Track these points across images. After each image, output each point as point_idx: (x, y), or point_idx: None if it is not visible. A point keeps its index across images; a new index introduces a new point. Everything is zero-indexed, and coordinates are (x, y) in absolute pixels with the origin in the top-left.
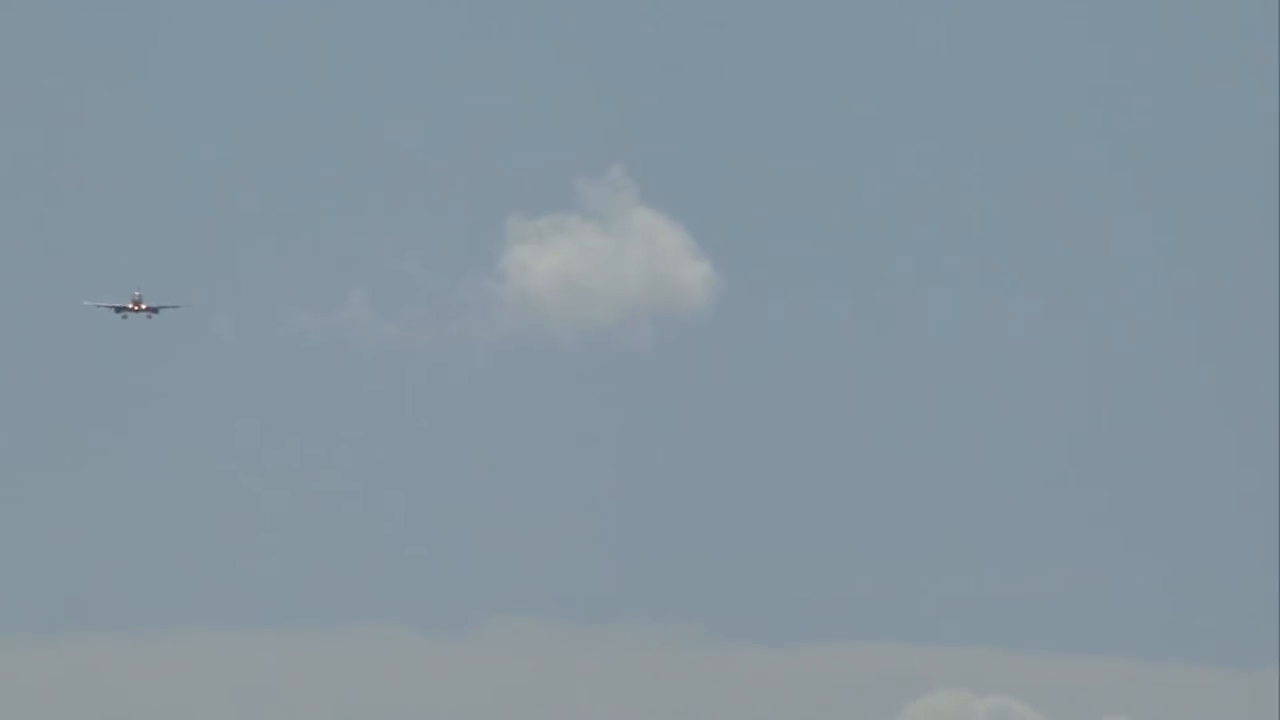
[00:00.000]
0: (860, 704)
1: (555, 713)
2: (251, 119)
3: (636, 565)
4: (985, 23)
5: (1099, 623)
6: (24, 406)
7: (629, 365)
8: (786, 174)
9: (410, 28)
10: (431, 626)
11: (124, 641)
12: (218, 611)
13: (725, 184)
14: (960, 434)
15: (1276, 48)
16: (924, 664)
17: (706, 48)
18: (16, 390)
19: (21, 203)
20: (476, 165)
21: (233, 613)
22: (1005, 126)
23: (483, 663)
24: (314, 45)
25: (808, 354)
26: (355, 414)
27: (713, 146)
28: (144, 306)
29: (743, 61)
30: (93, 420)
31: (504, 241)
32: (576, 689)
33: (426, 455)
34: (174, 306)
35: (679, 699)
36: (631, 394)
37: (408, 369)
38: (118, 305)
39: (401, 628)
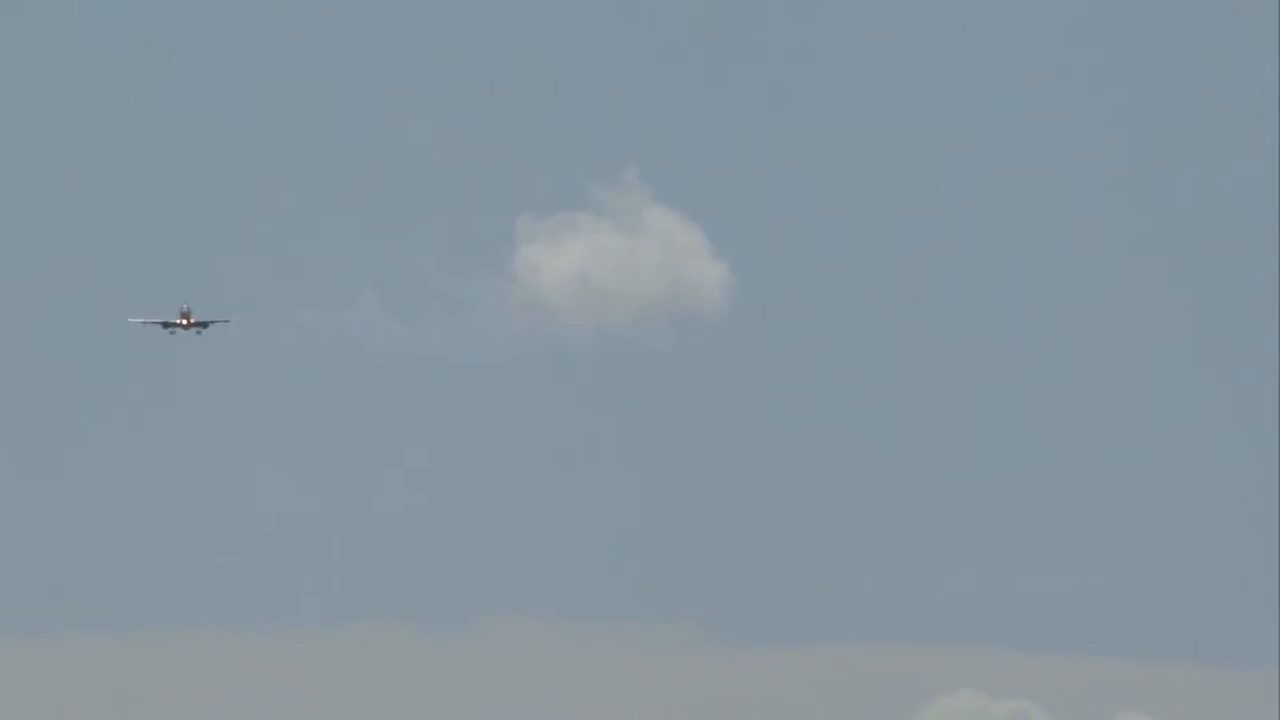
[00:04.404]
0: (873, 706)
1: (555, 713)
2: (263, 119)
3: (642, 565)
4: (993, 25)
5: (1103, 623)
6: (24, 406)
7: (644, 366)
8: (802, 175)
9: (421, 27)
10: (431, 626)
11: (124, 641)
12: (218, 611)
13: (742, 185)
14: (970, 435)
15: (1277, 47)
16: (937, 665)
17: (721, 49)
18: (17, 390)
19: (27, 207)
20: (490, 166)
21: (233, 613)
22: (1019, 129)
23: (483, 662)
24: (325, 45)
25: (822, 356)
26: (364, 413)
27: (728, 147)
28: (192, 321)
29: (757, 62)
30: (95, 418)
31: (516, 241)
32: (576, 689)
33: (431, 454)
34: (223, 321)
35: (681, 699)
36: (641, 394)
37: (419, 368)
38: (165, 321)
39: (402, 627)
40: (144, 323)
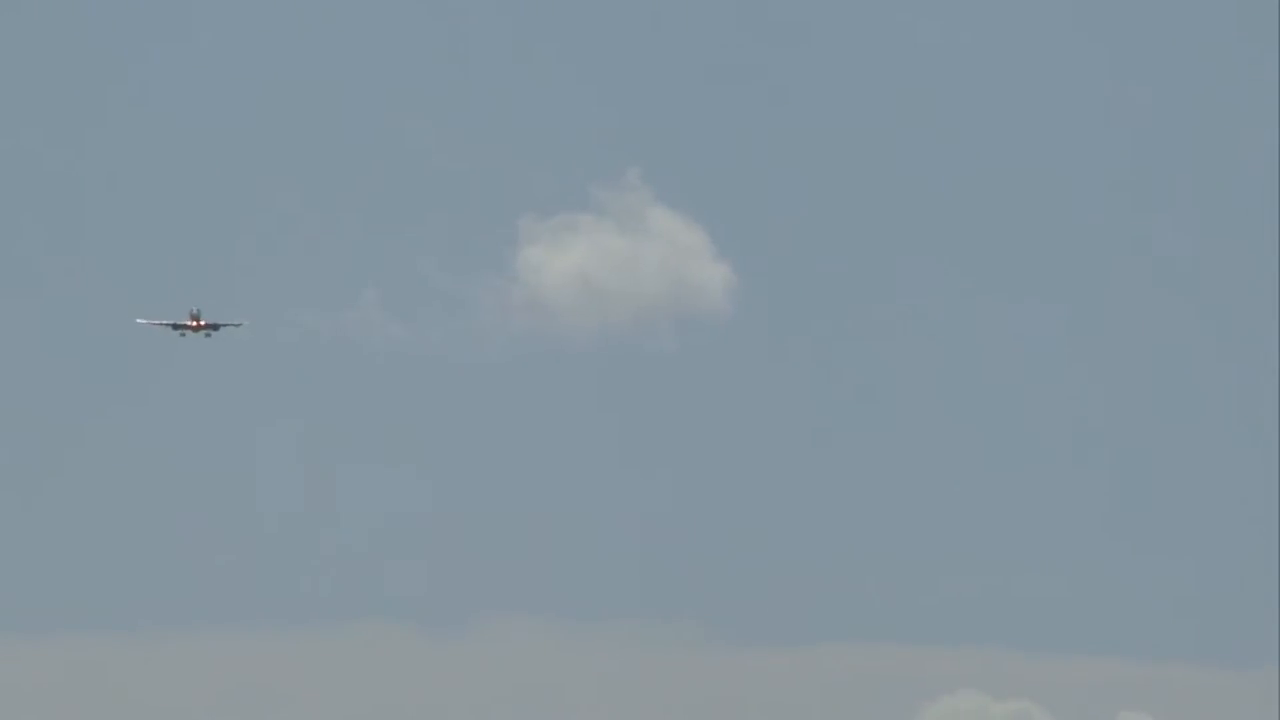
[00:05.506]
0: (873, 706)
1: (555, 713)
2: (265, 119)
3: (642, 565)
4: (993, 25)
5: (1103, 623)
6: (24, 405)
7: (645, 367)
8: (803, 175)
9: (424, 28)
10: (431, 626)
11: (124, 641)
12: (218, 611)
13: (744, 186)
14: (970, 435)
15: (1277, 48)
16: (938, 665)
17: (723, 49)
18: (17, 389)
19: (31, 209)
20: (492, 166)
21: (233, 613)
22: (1018, 128)
23: (483, 663)
24: (328, 45)
25: (824, 356)
26: (365, 414)
27: (730, 148)
28: (202, 324)
29: (759, 63)
30: (94, 418)
31: (518, 242)
32: (576, 689)
33: (431, 454)
34: (234, 324)
35: (681, 699)
36: (643, 395)
37: (419, 368)
38: (175, 323)
39: (402, 627)
40: (151, 324)
